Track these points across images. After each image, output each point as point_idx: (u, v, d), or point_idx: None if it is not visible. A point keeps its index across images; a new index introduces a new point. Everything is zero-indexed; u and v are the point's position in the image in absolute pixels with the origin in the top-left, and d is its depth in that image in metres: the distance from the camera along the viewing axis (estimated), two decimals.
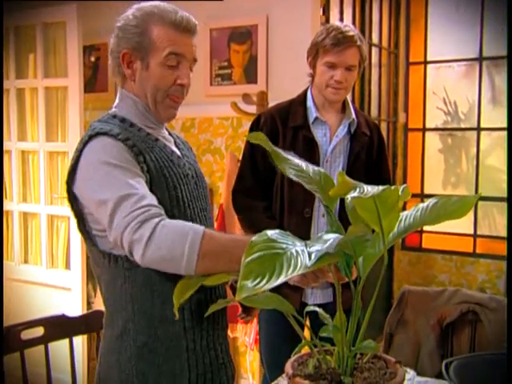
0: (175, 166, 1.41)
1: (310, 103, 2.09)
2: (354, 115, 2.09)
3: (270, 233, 0.85)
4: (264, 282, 0.77)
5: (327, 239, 0.87)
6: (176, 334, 1.38)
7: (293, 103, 2.12)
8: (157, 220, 1.21)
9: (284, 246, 0.83)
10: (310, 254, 0.81)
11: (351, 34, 1.98)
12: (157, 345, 1.37)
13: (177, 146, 1.53)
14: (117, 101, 1.47)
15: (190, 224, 1.24)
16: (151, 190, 1.32)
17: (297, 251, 0.82)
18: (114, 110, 1.46)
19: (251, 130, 2.13)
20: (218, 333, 1.46)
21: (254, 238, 0.83)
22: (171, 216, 1.34)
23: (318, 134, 2.06)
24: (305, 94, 2.13)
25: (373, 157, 2.12)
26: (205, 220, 1.47)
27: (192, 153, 1.62)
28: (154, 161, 1.35)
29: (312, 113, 2.07)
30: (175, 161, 1.42)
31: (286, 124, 2.06)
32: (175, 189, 1.37)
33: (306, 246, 0.84)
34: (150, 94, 1.41)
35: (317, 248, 0.83)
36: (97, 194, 1.27)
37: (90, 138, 1.32)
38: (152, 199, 1.26)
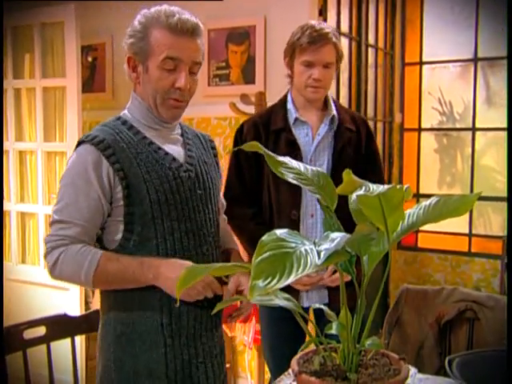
0: (164, 169, 1.45)
1: (289, 105, 2.10)
2: (334, 111, 2.09)
3: (279, 232, 0.86)
4: (275, 281, 0.79)
5: (334, 238, 0.88)
6: (153, 328, 1.44)
7: (274, 108, 2.14)
8: (62, 249, 1.42)
9: (293, 245, 0.85)
10: (319, 253, 0.83)
11: (326, 31, 1.99)
12: (134, 336, 1.45)
13: (185, 147, 1.56)
14: (129, 103, 1.55)
15: (88, 256, 1.41)
16: (129, 195, 1.40)
17: (306, 250, 0.83)
18: (124, 111, 1.54)
19: (235, 139, 2.14)
20: (200, 332, 1.50)
21: (264, 237, 0.85)
22: (152, 218, 1.42)
23: (300, 134, 2.07)
24: (285, 97, 2.14)
25: (361, 152, 2.11)
26: (197, 221, 1.50)
27: (211, 153, 1.65)
28: (136, 167, 1.42)
29: (292, 114, 2.08)
30: (166, 164, 1.46)
31: (268, 128, 2.06)
32: (157, 192, 1.42)
33: (314, 244, 0.86)
34: (150, 97, 1.47)
35: (325, 247, 0.84)
36: (56, 199, 1.47)
37: (79, 144, 1.46)
38: (76, 227, 1.42)
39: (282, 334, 2.08)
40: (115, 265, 1.41)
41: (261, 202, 2.10)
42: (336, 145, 2.06)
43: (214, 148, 1.68)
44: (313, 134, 2.08)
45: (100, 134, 1.43)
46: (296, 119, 2.07)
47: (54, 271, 1.44)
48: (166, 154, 1.48)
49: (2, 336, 1.60)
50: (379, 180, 2.09)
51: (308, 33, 1.99)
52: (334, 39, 2.01)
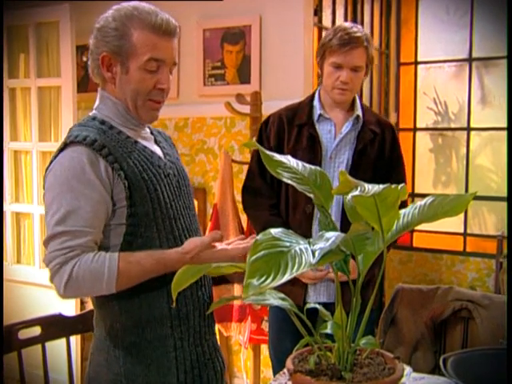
0: (155, 167, 1.43)
1: (316, 102, 2.13)
2: (359, 111, 2.10)
3: (274, 231, 0.87)
4: (269, 280, 0.79)
5: (329, 237, 0.88)
6: (164, 333, 1.40)
7: (301, 103, 2.17)
8: (74, 262, 1.29)
9: (288, 244, 0.85)
10: (313, 252, 0.83)
11: (358, 34, 2.00)
12: (145, 345, 1.39)
13: (157, 144, 1.53)
14: (97, 102, 1.47)
15: (105, 262, 1.30)
16: (131, 195, 1.35)
17: (301, 249, 0.84)
18: (94, 111, 1.46)
19: (260, 130, 2.19)
20: (205, 329, 1.48)
21: (259, 236, 0.85)
22: (154, 218, 1.37)
23: (323, 131, 2.10)
24: (313, 94, 2.17)
25: (384, 157, 2.12)
26: (188, 217, 1.49)
27: (174, 149, 1.62)
28: (132, 166, 1.37)
29: (316, 110, 2.11)
30: (155, 162, 1.44)
31: (292, 123, 2.10)
32: (156, 191, 1.39)
33: (309, 244, 0.86)
34: (130, 98, 1.41)
35: (320, 246, 0.84)
36: (47, 210, 1.33)
37: (65, 146, 1.35)
38: (84, 236, 1.30)
39: (286, 331, 2.08)
40: (136, 257, 1.33)
41: (279, 194, 2.13)
42: (357, 144, 2.07)
43: (174, 145, 1.66)
44: (335, 132, 2.10)
45: (90, 134, 1.34)
46: (320, 115, 2.10)
47: (70, 288, 1.29)
48: (152, 152, 1.46)
49: (3, 336, 1.60)
50: None
51: (339, 35, 2.00)
52: (365, 43, 2.01)
